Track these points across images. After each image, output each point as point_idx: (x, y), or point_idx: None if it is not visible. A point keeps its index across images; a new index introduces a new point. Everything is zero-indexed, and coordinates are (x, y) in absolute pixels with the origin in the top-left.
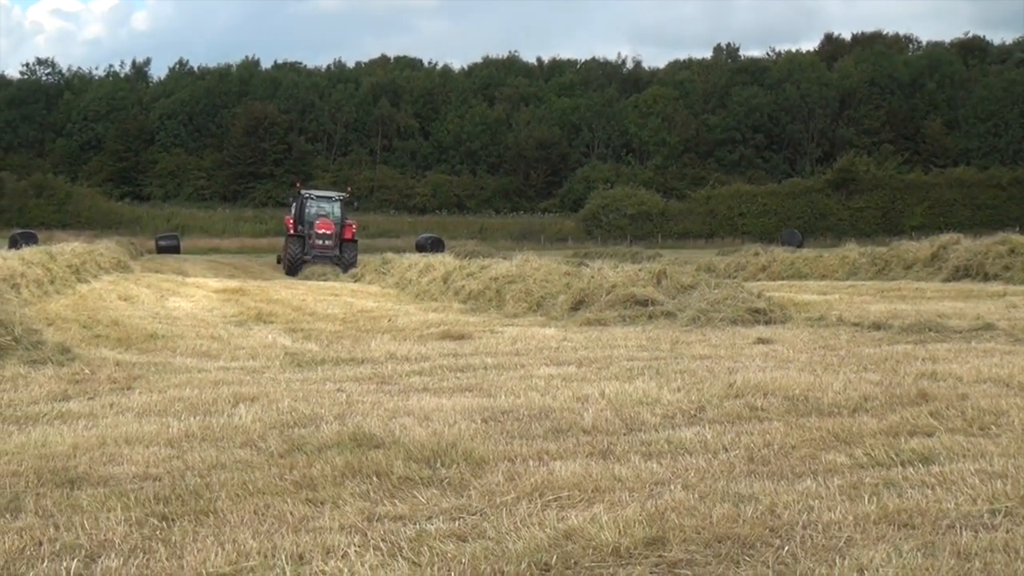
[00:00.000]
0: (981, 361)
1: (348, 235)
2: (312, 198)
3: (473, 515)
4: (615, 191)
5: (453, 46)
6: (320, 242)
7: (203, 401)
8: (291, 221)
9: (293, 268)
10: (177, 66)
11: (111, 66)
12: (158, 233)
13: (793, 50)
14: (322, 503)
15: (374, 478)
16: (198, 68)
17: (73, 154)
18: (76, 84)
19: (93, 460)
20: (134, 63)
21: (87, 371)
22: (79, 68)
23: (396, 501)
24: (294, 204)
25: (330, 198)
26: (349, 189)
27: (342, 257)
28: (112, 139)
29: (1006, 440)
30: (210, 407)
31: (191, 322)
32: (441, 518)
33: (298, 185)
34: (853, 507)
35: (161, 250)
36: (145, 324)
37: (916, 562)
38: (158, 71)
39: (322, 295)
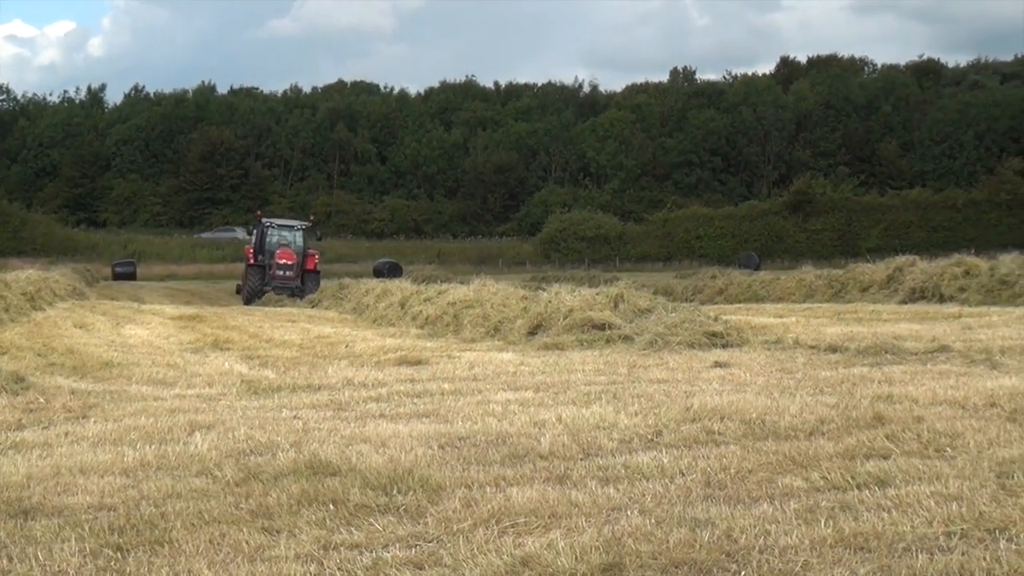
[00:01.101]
0: (937, 383)
1: (310, 266)
2: (273, 227)
3: (430, 542)
4: (572, 215)
5: (410, 71)
6: (281, 272)
7: (159, 429)
8: (251, 250)
9: (252, 299)
10: (132, 92)
11: (66, 92)
12: (114, 260)
13: (749, 73)
14: (278, 532)
15: (330, 506)
16: (154, 94)
17: (28, 181)
18: (31, 110)
19: (47, 490)
20: (89, 89)
21: (41, 400)
22: (34, 94)
23: (352, 529)
24: (254, 233)
25: (292, 227)
26: (312, 217)
27: (304, 288)
28: (67, 165)
29: (961, 462)
30: (166, 436)
31: (147, 350)
32: (397, 546)
33: (258, 213)
34: (809, 531)
35: (117, 277)
36: (101, 352)
37: None
38: (113, 97)
39: (279, 321)
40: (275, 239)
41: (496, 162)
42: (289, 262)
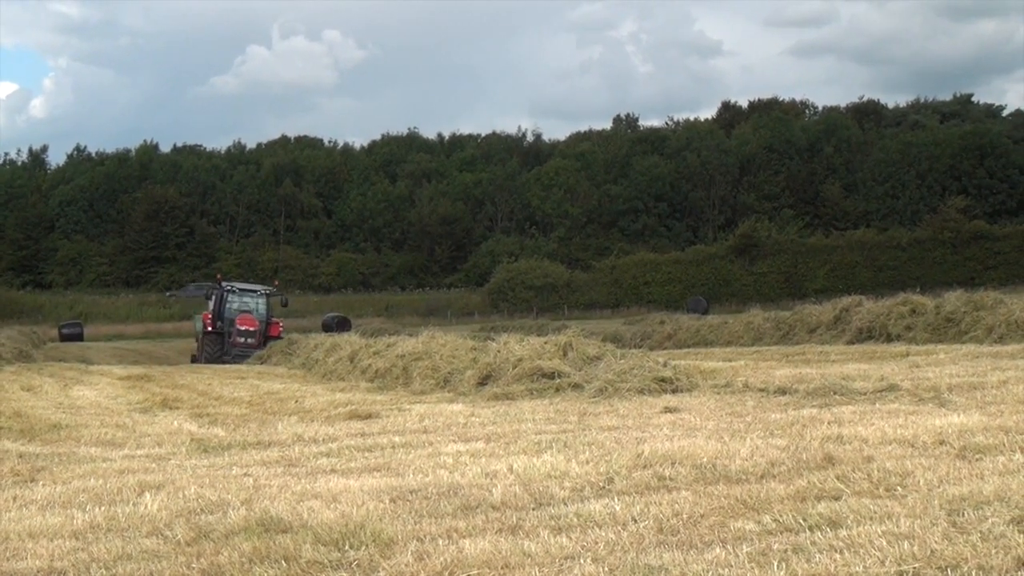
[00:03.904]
0: (886, 422)
1: (274, 333)
2: (234, 291)
3: None
4: (520, 264)
5: (353, 124)
6: (242, 339)
7: (108, 491)
8: (209, 317)
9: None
10: (75, 152)
11: (7, 154)
12: (61, 321)
13: (692, 119)
14: None
15: (282, 563)
16: (96, 154)
17: None
18: None
19: None
20: (31, 150)
21: None
22: None
23: None
24: (213, 297)
25: (254, 292)
26: (276, 283)
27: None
28: (11, 228)
29: (912, 501)
30: (115, 497)
31: (95, 410)
32: None
33: (219, 276)
34: (762, 574)
35: (64, 338)
36: (48, 414)
37: None
38: (56, 158)
39: (228, 378)
40: (235, 305)
41: (442, 213)
42: (251, 328)
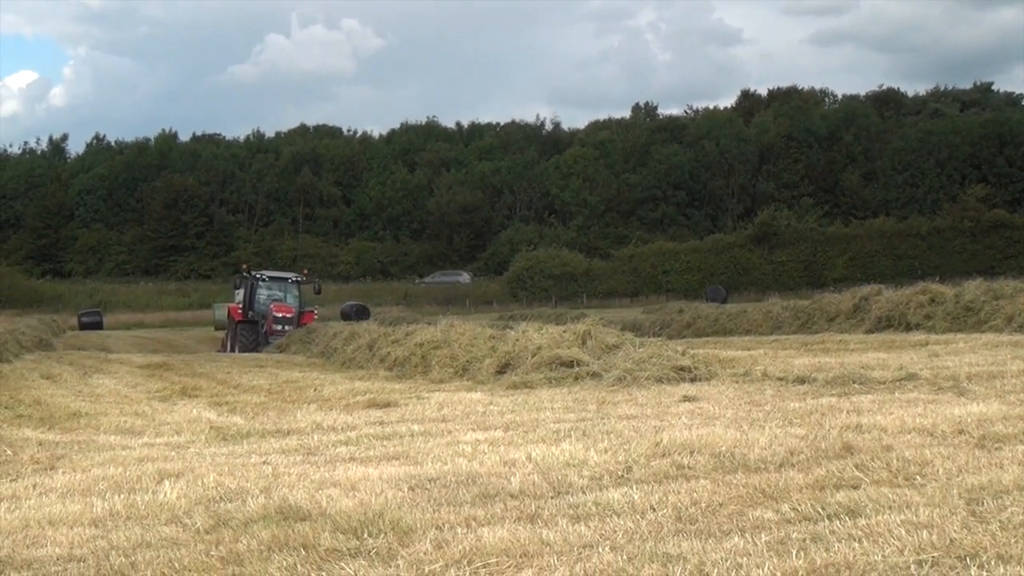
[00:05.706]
0: (905, 411)
1: (307, 321)
2: (264, 280)
3: None
4: (539, 253)
5: (372, 113)
6: (279, 327)
7: (127, 479)
8: (238, 308)
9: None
10: (94, 141)
11: (26, 143)
12: (80, 309)
13: (711, 107)
14: None
15: (301, 551)
16: (115, 143)
17: None
18: None
19: (16, 543)
20: (51, 139)
21: (9, 452)
22: None
23: (323, 574)
24: (241, 288)
25: (285, 279)
26: (306, 271)
27: None
28: (31, 216)
29: (931, 490)
30: (134, 485)
31: (115, 399)
32: None
33: (245, 267)
34: (781, 563)
35: (84, 327)
36: (68, 402)
37: None
38: (75, 147)
39: (247, 367)
40: (265, 295)
41: (461, 202)
42: (288, 315)
